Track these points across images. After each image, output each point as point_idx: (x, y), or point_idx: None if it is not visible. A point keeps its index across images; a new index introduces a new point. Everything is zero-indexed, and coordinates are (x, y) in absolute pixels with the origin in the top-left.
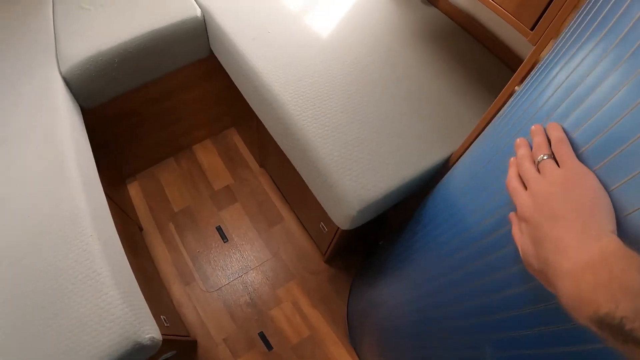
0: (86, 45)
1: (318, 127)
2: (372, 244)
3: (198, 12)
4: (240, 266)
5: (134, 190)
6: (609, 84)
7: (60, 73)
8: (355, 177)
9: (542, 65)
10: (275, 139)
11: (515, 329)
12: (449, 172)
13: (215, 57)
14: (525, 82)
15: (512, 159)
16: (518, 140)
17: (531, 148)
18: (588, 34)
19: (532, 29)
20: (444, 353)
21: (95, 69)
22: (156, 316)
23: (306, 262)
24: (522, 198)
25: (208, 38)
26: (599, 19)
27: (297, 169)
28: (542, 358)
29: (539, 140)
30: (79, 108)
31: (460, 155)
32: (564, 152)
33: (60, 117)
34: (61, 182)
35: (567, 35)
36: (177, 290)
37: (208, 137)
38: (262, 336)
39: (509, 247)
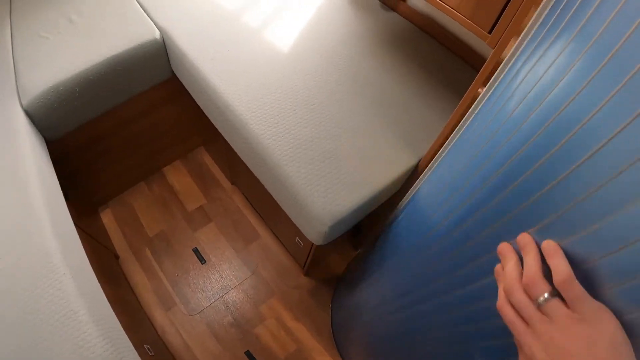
0: (46, 76)
1: (283, 145)
2: (350, 253)
3: (157, 34)
4: (220, 286)
5: (107, 218)
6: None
7: (22, 106)
8: (324, 192)
9: (507, 68)
10: (242, 158)
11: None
12: (423, 180)
13: (178, 78)
14: (491, 85)
15: (497, 268)
16: (502, 247)
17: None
18: (556, 33)
19: (490, 32)
20: (432, 349)
21: (57, 99)
22: (139, 346)
23: (286, 276)
24: (528, 341)
25: (169, 59)
26: (566, 17)
27: (266, 187)
28: None
29: (533, 271)
30: (43, 140)
31: (430, 161)
32: (575, 293)
33: (24, 152)
34: (28, 220)
35: (533, 36)
36: (159, 317)
37: (178, 158)
38: (249, 355)
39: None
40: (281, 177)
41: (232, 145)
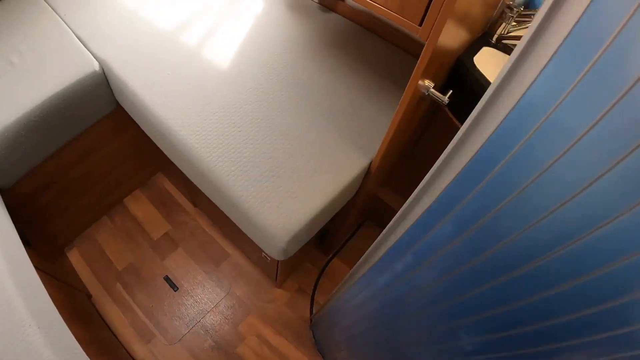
0: None
1: (230, 165)
2: (321, 258)
3: (96, 66)
4: (196, 311)
5: (75, 258)
6: None
7: None
8: (276, 208)
9: None
10: (193, 181)
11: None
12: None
13: (124, 108)
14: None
15: None
16: None
17: None
18: None
19: (420, 24)
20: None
21: (4, 146)
22: None
23: (260, 292)
24: None
25: (112, 90)
26: None
27: (220, 207)
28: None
29: None
30: None
31: (381, 160)
32: None
33: None
34: None
35: None
36: (139, 350)
37: (137, 187)
38: None
39: None
40: (231, 199)
41: (181, 169)
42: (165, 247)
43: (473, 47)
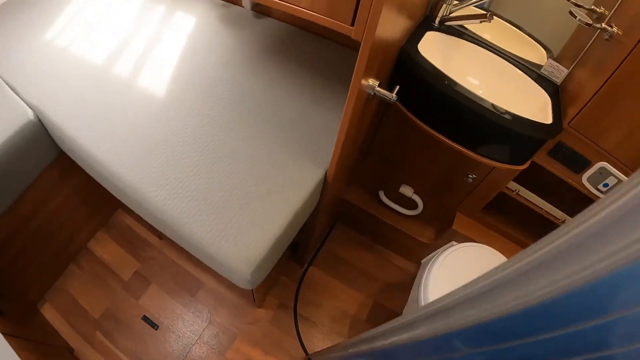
0: None
1: (179, 201)
2: (297, 270)
3: (30, 115)
4: (181, 347)
5: (49, 313)
6: None
7: None
8: (234, 241)
9: None
10: (147, 221)
11: None
12: None
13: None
14: None
15: None
16: None
17: None
18: None
19: (352, 24)
20: None
21: None
22: None
23: (241, 315)
24: None
25: (51, 137)
26: None
27: (180, 244)
28: None
29: None
30: None
31: (335, 169)
32: None
33: None
34: None
35: None
36: None
37: (98, 228)
38: None
39: None
40: (186, 237)
41: (133, 210)
42: (138, 286)
43: (416, 34)
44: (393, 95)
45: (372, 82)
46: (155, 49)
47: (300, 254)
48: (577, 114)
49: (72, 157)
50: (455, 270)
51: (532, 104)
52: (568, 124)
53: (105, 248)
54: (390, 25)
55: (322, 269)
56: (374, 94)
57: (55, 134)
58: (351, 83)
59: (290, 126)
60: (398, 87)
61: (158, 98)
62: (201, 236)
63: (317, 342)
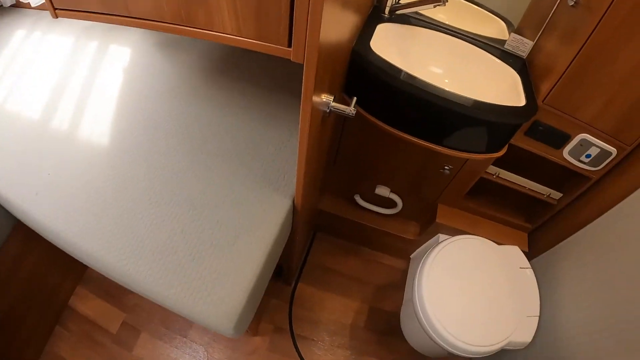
0: None
1: (143, 263)
2: (286, 290)
3: None
4: None
5: None
6: None
7: None
8: (208, 296)
9: None
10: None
11: None
12: None
13: None
14: None
15: None
16: None
17: None
18: None
19: (289, 45)
20: None
21: None
22: None
23: (238, 347)
24: None
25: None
26: None
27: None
28: None
29: None
30: None
31: (302, 196)
32: None
33: None
34: None
35: None
36: None
37: (76, 285)
38: None
39: None
40: (158, 299)
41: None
42: (128, 337)
43: (366, 30)
44: (351, 109)
45: (326, 98)
46: (92, 92)
47: (285, 274)
48: (551, 89)
49: (28, 225)
50: (447, 266)
51: (501, 85)
52: (543, 101)
53: (87, 304)
54: (335, 31)
55: (310, 283)
56: (330, 110)
57: (5, 205)
58: (301, 109)
59: (246, 154)
60: (356, 98)
61: (101, 149)
62: (173, 298)
63: (320, 359)
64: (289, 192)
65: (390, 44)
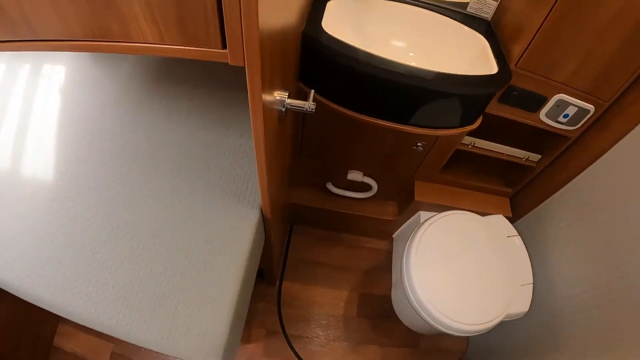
0: None
1: (112, 307)
2: (270, 290)
3: None
4: None
5: None
6: None
7: None
8: (187, 333)
9: None
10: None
11: None
12: None
13: None
14: None
15: None
16: None
17: None
18: None
19: (224, 47)
20: None
21: None
22: None
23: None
24: None
25: None
26: None
27: None
28: None
29: None
30: None
31: (270, 205)
32: None
33: None
34: None
35: None
36: None
37: (57, 322)
38: None
39: None
40: (136, 342)
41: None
42: None
43: (316, 9)
44: (310, 104)
45: (279, 96)
46: (30, 121)
47: (268, 276)
48: (524, 52)
49: None
50: (433, 247)
51: (469, 52)
52: (515, 65)
53: (72, 341)
54: (279, 17)
55: (295, 280)
56: (286, 108)
57: None
58: (251, 119)
59: (203, 166)
60: (313, 91)
61: (45, 184)
62: (151, 340)
63: (318, 355)
64: (255, 201)
65: (345, 22)
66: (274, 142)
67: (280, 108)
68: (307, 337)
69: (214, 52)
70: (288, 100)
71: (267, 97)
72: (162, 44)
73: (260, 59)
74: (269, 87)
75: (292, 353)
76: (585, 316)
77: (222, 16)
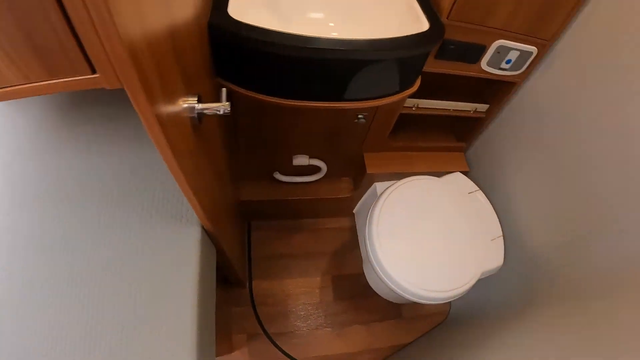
0: None
1: None
2: (243, 291)
3: None
4: None
5: None
6: None
7: None
8: None
9: None
10: None
11: None
12: None
13: None
14: None
15: None
16: None
17: None
18: None
19: (94, 72)
20: None
21: None
22: None
23: None
24: None
25: None
26: None
27: None
28: None
29: None
30: None
31: (206, 211)
32: None
33: None
34: None
35: None
36: None
37: None
38: None
39: None
40: None
41: None
42: None
43: None
44: (224, 105)
45: (186, 103)
46: None
47: (234, 279)
48: (454, 2)
49: None
50: (395, 219)
51: (395, 11)
52: (447, 17)
53: None
54: (158, 15)
55: (264, 277)
56: (198, 114)
57: None
58: (151, 138)
59: (133, 191)
60: (225, 90)
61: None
62: None
63: (304, 347)
64: (192, 219)
65: (254, 2)
66: (192, 152)
67: (191, 115)
68: (290, 331)
69: (84, 80)
70: (199, 106)
71: (166, 110)
72: (30, 83)
73: (139, 73)
74: (166, 98)
75: (278, 351)
76: (560, 256)
77: (78, 39)
